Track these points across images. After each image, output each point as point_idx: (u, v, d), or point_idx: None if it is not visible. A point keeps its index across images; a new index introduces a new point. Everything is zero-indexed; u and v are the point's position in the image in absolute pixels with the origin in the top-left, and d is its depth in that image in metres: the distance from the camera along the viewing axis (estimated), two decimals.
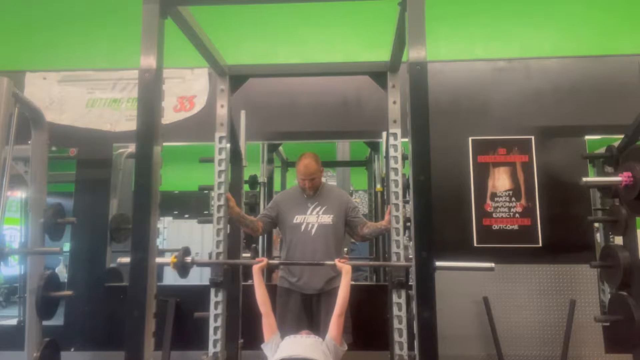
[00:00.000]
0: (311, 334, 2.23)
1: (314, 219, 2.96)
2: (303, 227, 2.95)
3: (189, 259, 2.34)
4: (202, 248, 5.69)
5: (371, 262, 2.60)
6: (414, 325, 1.76)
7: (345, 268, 2.31)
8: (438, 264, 1.81)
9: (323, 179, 3.19)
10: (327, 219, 2.96)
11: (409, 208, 1.87)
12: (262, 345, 2.21)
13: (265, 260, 2.41)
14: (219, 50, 2.70)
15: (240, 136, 3.28)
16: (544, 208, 3.75)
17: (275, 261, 2.63)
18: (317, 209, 2.99)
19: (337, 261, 2.38)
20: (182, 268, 2.29)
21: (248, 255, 4.04)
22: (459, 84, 3.99)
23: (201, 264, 2.51)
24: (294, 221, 2.97)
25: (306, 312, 2.94)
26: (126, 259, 1.84)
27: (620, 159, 3.09)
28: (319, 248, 2.90)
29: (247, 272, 3.92)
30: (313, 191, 3.01)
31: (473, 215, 3.79)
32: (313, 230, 2.93)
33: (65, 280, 4.02)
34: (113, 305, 3.75)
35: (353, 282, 2.38)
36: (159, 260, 1.93)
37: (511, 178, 3.82)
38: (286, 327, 2.66)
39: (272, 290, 3.03)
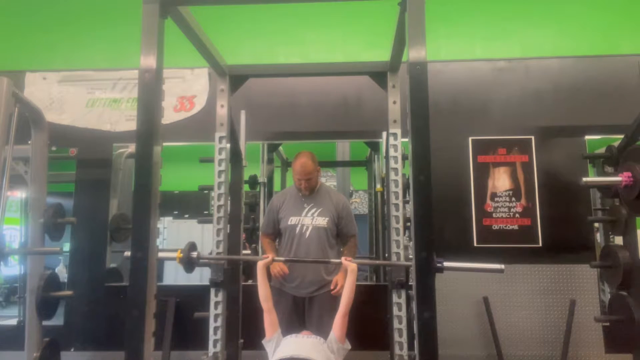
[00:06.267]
0: (312, 334, 2.23)
1: (309, 221, 2.95)
2: (298, 229, 2.95)
3: (194, 254, 2.29)
4: (202, 248, 5.65)
5: (375, 261, 2.57)
6: (414, 325, 1.76)
7: (351, 266, 2.27)
8: (446, 264, 1.78)
9: (322, 179, 3.18)
10: (322, 221, 2.95)
11: (409, 208, 1.87)
12: (263, 341, 2.20)
13: (270, 257, 2.37)
14: (219, 50, 2.69)
15: (240, 136, 3.28)
16: (544, 208, 3.75)
17: (281, 257, 2.59)
18: (313, 210, 2.97)
19: (343, 259, 2.34)
20: (188, 263, 2.24)
21: (249, 252, 4.06)
22: (459, 84, 3.99)
23: (207, 259, 2.46)
24: (289, 222, 2.97)
25: (297, 314, 2.93)
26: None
27: (620, 159, 3.08)
28: (313, 250, 2.90)
29: (247, 272, 3.94)
30: (309, 191, 2.99)
31: (473, 215, 3.79)
32: (307, 233, 2.93)
33: (65, 280, 4.02)
34: (113, 305, 3.75)
35: None
36: (163, 254, 1.90)
37: (511, 178, 3.82)
38: None
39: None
